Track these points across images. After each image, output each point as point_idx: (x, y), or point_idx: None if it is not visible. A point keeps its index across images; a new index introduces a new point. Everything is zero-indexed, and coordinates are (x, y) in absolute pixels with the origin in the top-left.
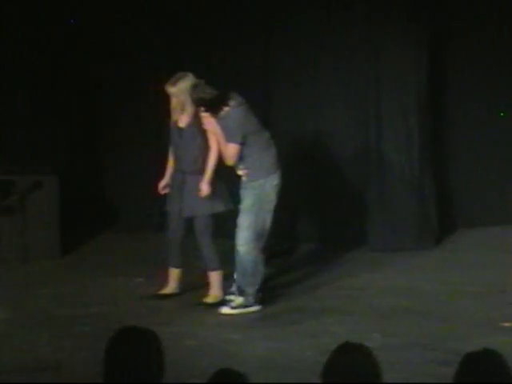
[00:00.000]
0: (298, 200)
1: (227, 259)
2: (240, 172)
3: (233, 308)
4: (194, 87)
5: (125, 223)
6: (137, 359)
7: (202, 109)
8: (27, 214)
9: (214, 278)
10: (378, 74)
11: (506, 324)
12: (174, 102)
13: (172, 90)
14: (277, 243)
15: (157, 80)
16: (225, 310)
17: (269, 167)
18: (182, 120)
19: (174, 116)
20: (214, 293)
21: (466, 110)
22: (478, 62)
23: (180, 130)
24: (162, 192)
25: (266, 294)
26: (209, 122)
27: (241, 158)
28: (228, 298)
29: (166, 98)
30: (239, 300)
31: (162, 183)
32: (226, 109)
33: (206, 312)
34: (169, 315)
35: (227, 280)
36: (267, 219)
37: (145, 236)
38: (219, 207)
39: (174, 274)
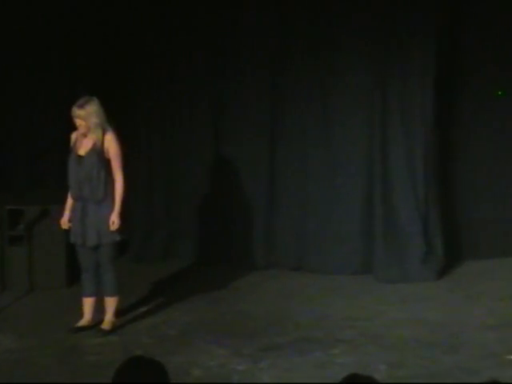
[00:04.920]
0: (306, 230)
1: None
2: None
3: None
4: None
5: (132, 252)
6: None
7: None
8: (34, 243)
9: (111, 303)
10: (383, 98)
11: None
12: (80, 125)
13: (80, 112)
14: None
15: None
16: None
17: None
18: (83, 147)
19: (76, 143)
20: (109, 319)
21: (473, 140)
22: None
23: (79, 157)
24: (67, 227)
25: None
26: (114, 147)
27: None
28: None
29: None
30: None
31: (66, 218)
32: None
33: (211, 342)
34: (174, 344)
35: None
36: None
37: (155, 265)
38: (122, 235)
39: (88, 303)
